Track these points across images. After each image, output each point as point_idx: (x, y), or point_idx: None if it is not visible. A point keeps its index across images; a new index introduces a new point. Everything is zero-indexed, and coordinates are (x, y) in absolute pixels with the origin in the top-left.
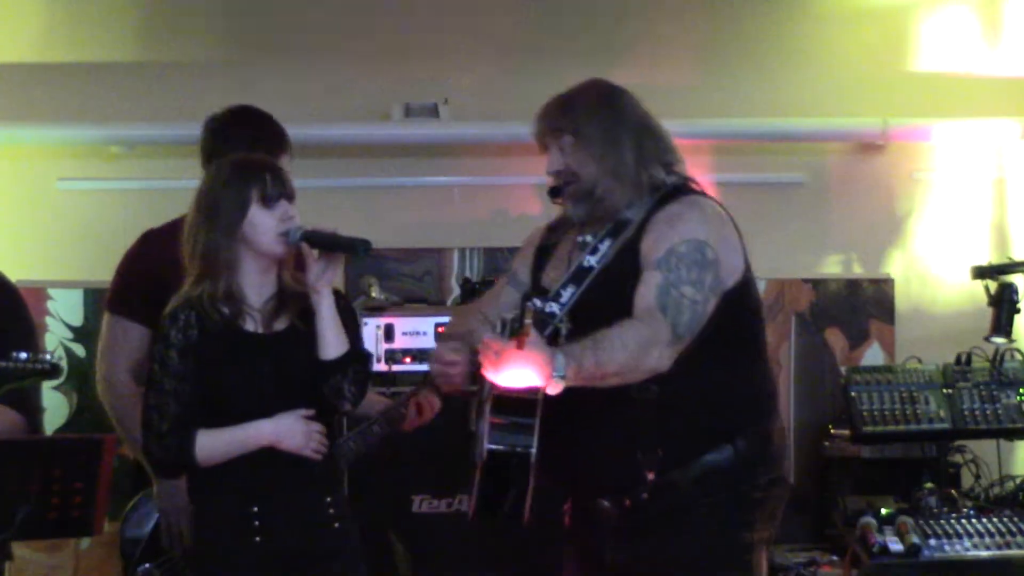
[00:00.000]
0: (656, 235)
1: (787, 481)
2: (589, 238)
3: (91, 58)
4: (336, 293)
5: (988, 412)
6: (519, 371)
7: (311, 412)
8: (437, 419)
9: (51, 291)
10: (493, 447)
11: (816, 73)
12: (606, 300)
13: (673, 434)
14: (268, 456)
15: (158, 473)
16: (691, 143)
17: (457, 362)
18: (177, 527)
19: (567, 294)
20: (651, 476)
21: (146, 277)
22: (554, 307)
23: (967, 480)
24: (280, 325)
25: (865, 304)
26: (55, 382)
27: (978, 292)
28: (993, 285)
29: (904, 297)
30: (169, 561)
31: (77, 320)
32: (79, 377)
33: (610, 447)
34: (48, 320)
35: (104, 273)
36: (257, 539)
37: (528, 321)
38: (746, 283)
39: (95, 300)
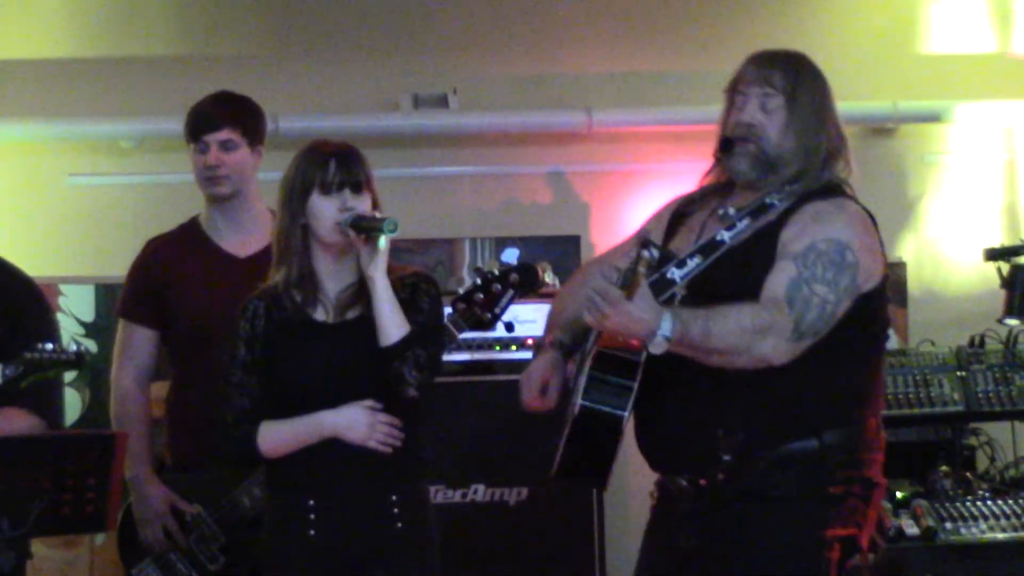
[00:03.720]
0: (799, 228)
1: (874, 482)
2: (731, 211)
3: (101, 54)
4: (420, 276)
5: (1002, 394)
6: (625, 322)
7: (378, 404)
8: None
9: (62, 287)
10: (587, 404)
11: (825, 55)
12: (730, 279)
13: (759, 418)
14: (331, 448)
15: (234, 464)
16: (700, 129)
17: (544, 400)
18: (158, 532)
19: (692, 263)
20: (728, 458)
21: (151, 282)
22: (676, 273)
23: (982, 463)
24: (353, 314)
25: None
26: (69, 377)
27: (991, 274)
28: (1006, 267)
29: (917, 280)
30: (159, 557)
31: (88, 316)
32: (91, 373)
33: (694, 423)
34: (60, 316)
35: (116, 268)
36: (312, 532)
37: (641, 270)
38: (881, 289)
39: (107, 296)
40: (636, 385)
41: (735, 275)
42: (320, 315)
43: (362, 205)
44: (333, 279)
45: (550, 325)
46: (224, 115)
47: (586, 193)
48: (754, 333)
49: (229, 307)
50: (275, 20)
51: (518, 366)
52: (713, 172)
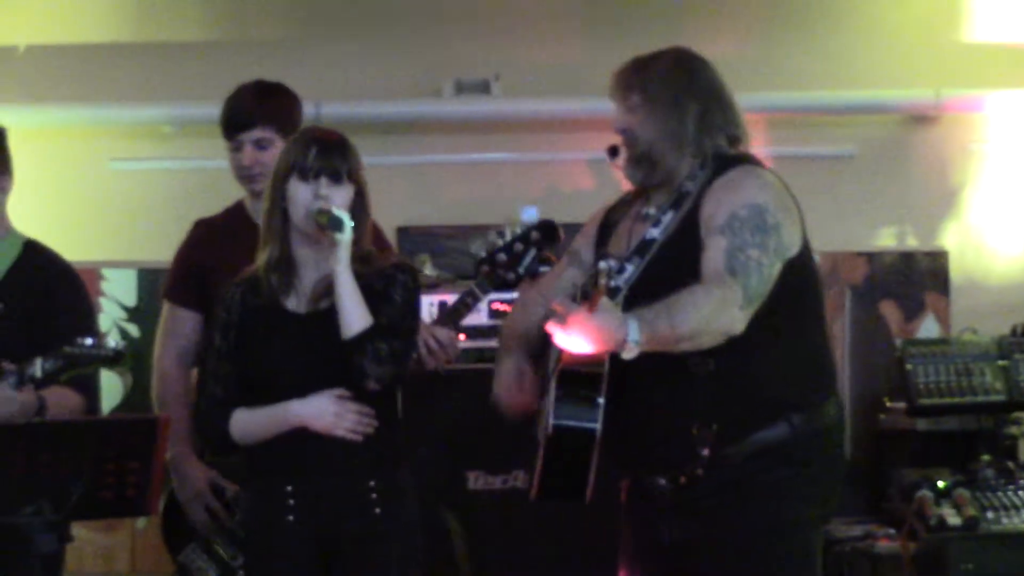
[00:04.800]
0: (715, 202)
1: (844, 457)
2: (652, 211)
3: (143, 38)
4: (400, 267)
5: None
6: (591, 337)
7: (347, 393)
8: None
9: (105, 271)
10: (559, 423)
11: (867, 44)
12: (669, 272)
13: (729, 410)
14: (309, 435)
15: (207, 450)
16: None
17: (523, 393)
18: (202, 511)
19: (630, 267)
20: (705, 452)
21: (196, 265)
22: (619, 279)
23: None
24: (326, 304)
25: (920, 276)
26: None
27: None
28: None
29: (959, 269)
30: (205, 542)
31: (131, 300)
32: (134, 357)
33: (665, 423)
34: (102, 300)
35: (157, 253)
36: (290, 518)
37: (602, 282)
38: (804, 254)
39: (149, 280)
40: (603, 399)
41: (673, 267)
42: (292, 303)
43: (339, 195)
44: (311, 267)
45: (504, 344)
46: (257, 113)
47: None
48: (712, 310)
49: None
50: (318, 4)
51: None
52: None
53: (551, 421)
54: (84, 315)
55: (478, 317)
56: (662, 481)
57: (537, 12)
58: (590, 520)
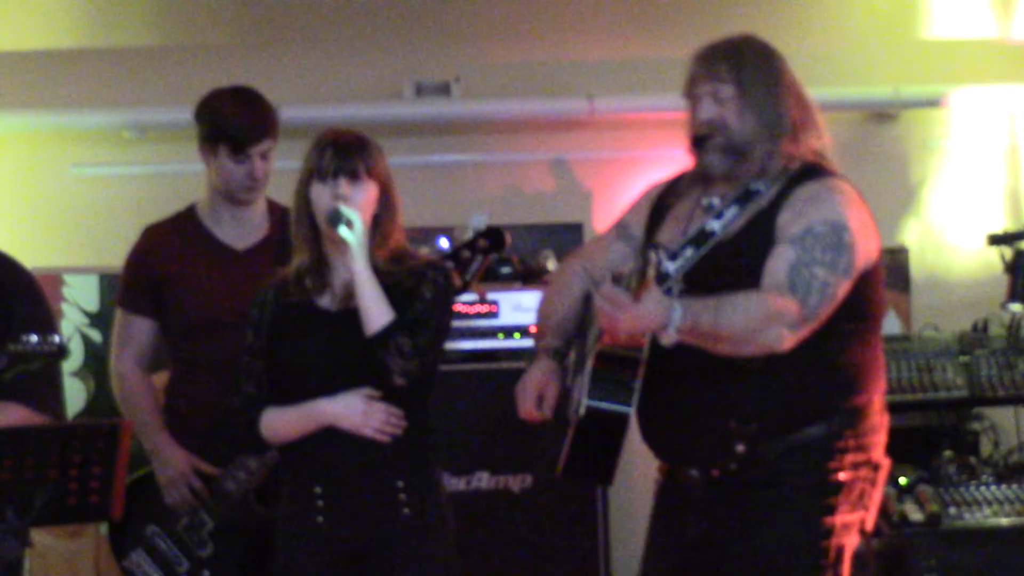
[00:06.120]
0: (795, 212)
1: (879, 464)
2: (716, 201)
3: (103, 44)
4: (431, 265)
5: (1006, 379)
6: (637, 324)
7: (376, 392)
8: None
9: (66, 277)
10: (592, 404)
11: (827, 41)
12: (726, 268)
13: (770, 408)
14: (337, 436)
15: (243, 449)
16: None
17: (540, 410)
18: (181, 496)
19: (685, 254)
20: (741, 448)
21: (148, 271)
22: (670, 266)
23: (986, 448)
24: (356, 302)
25: None
26: (73, 367)
27: (993, 259)
28: (1008, 252)
29: (919, 266)
30: (172, 530)
31: (93, 306)
32: (96, 363)
33: (705, 415)
34: (64, 306)
35: (119, 258)
36: (320, 519)
37: (651, 273)
38: (876, 268)
39: (111, 285)
40: (639, 383)
41: (731, 264)
42: (326, 302)
43: (360, 194)
44: (342, 267)
45: (541, 330)
46: (265, 126)
47: (588, 180)
48: (761, 321)
49: (226, 299)
50: (277, 7)
51: (521, 354)
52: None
53: (585, 401)
54: (39, 316)
55: None
56: (694, 472)
57: (496, 14)
58: (556, 522)
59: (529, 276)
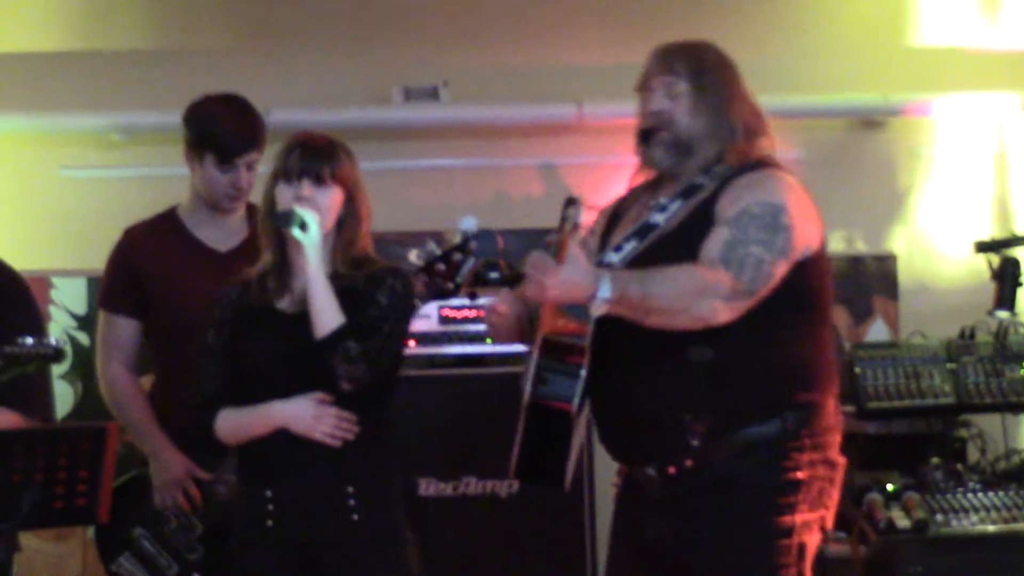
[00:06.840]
0: (732, 197)
1: (837, 462)
2: (661, 200)
3: (91, 47)
4: (390, 271)
5: (993, 386)
6: (564, 288)
7: (328, 396)
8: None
9: (54, 279)
10: (535, 397)
11: (815, 48)
12: (668, 257)
13: (723, 401)
14: (288, 439)
15: (204, 450)
16: None
17: (506, 313)
18: (172, 500)
19: (628, 247)
20: (695, 443)
21: (130, 272)
22: (613, 257)
23: (973, 455)
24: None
25: (868, 280)
26: (61, 370)
27: (981, 267)
28: (996, 259)
29: (907, 273)
30: (160, 533)
31: (81, 309)
32: (84, 365)
33: (659, 410)
34: (52, 309)
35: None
36: (269, 523)
37: (568, 227)
38: (820, 257)
39: (99, 288)
40: (584, 371)
41: (672, 253)
42: (284, 304)
43: (323, 197)
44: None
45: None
46: (253, 137)
47: (576, 185)
48: (692, 292)
49: (208, 301)
50: (266, 11)
51: (509, 359)
52: (641, 171)
53: (527, 391)
54: (29, 318)
55: (428, 323)
56: (651, 471)
57: (485, 19)
58: (543, 528)
59: (517, 281)
